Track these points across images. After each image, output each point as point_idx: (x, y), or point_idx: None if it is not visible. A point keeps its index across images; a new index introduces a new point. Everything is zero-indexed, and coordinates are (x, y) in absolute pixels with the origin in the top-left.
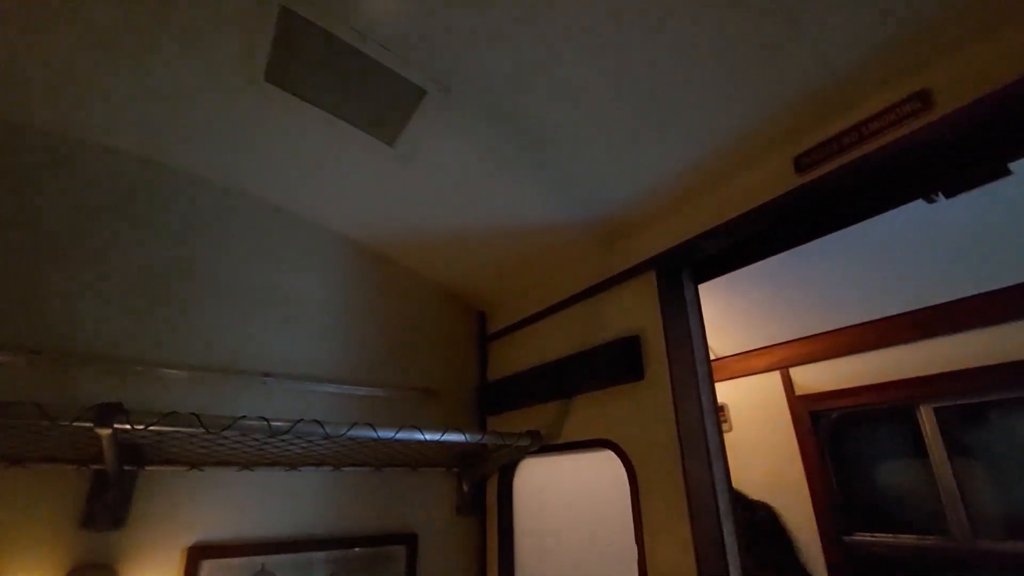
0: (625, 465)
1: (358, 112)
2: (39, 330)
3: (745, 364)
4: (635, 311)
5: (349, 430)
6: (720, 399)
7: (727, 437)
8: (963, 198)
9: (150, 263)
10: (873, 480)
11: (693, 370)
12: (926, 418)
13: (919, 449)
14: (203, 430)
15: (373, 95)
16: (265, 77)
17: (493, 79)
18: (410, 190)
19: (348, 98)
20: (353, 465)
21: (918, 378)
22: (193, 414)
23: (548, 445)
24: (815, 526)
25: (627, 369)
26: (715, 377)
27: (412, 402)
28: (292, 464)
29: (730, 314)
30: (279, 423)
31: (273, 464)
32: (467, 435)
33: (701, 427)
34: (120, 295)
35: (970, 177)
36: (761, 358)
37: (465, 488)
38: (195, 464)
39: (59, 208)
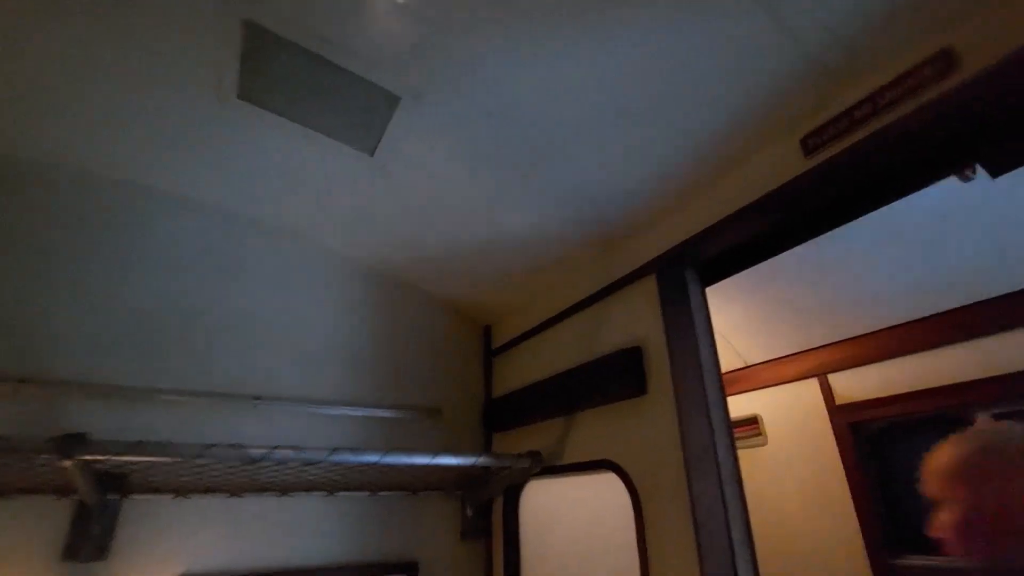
0: (628, 489)
1: (334, 123)
2: (25, 359)
3: (778, 371)
4: (636, 320)
5: (330, 455)
6: (753, 410)
7: (761, 451)
8: (1013, 177)
9: (139, 289)
10: (923, 497)
11: (701, 382)
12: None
13: None
14: (176, 459)
15: (346, 105)
16: (238, 95)
17: (470, 83)
18: (398, 202)
19: (323, 110)
20: (348, 490)
21: (973, 382)
22: (160, 442)
23: (550, 467)
24: (862, 547)
25: (628, 383)
26: (746, 385)
27: (414, 422)
28: (283, 490)
29: (759, 317)
30: (255, 450)
31: (263, 491)
32: (461, 458)
33: (711, 446)
34: (110, 322)
35: (1013, 152)
36: (795, 364)
37: (469, 512)
38: (180, 492)
39: (41, 233)
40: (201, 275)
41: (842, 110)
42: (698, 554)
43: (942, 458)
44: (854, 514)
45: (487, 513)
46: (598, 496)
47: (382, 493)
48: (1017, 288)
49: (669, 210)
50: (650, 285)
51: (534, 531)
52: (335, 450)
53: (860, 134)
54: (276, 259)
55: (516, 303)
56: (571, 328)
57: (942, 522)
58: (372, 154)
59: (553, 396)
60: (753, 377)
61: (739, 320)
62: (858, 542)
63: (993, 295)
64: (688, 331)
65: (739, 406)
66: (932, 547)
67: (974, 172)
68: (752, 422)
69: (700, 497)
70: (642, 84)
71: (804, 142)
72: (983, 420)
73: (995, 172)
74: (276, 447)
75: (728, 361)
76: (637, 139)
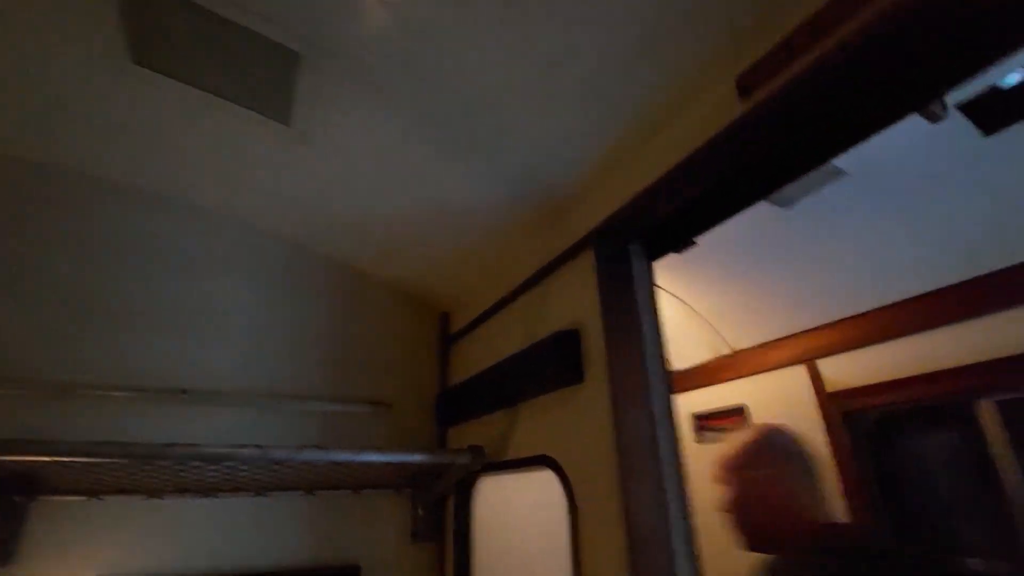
0: (564, 489)
1: (240, 88)
2: None
3: (765, 357)
4: (575, 299)
5: (241, 450)
6: (739, 399)
7: None
8: (1010, 134)
9: (45, 275)
10: (924, 493)
11: (641, 368)
12: (988, 414)
13: (981, 453)
14: (59, 458)
15: (245, 66)
16: (132, 59)
17: (383, 42)
18: (325, 176)
19: (223, 73)
20: (281, 490)
21: (976, 365)
22: (44, 440)
23: (493, 463)
24: None
25: (564, 371)
26: (733, 373)
27: (358, 417)
28: (207, 491)
29: (746, 301)
30: (219, 449)
31: (184, 492)
32: (392, 455)
33: (651, 442)
34: (12, 312)
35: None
36: (783, 350)
37: (420, 511)
38: (94, 493)
39: None
40: (117, 259)
41: (779, 40)
42: (629, 556)
43: (724, 447)
44: (848, 512)
45: (441, 512)
46: (551, 495)
47: (318, 493)
48: (1023, 260)
49: (605, 175)
50: (588, 260)
51: (487, 531)
52: (242, 447)
53: (798, 66)
54: (200, 241)
55: (469, 287)
56: (517, 311)
57: (722, 501)
58: (288, 123)
59: (497, 386)
60: (740, 364)
61: (725, 305)
62: None
63: (996, 268)
64: (628, 311)
65: (725, 395)
66: (936, 547)
67: (944, 109)
68: (738, 412)
69: (635, 501)
70: (572, 38)
71: (740, 82)
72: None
73: (988, 129)
74: (243, 446)
75: (716, 348)
76: (570, 101)
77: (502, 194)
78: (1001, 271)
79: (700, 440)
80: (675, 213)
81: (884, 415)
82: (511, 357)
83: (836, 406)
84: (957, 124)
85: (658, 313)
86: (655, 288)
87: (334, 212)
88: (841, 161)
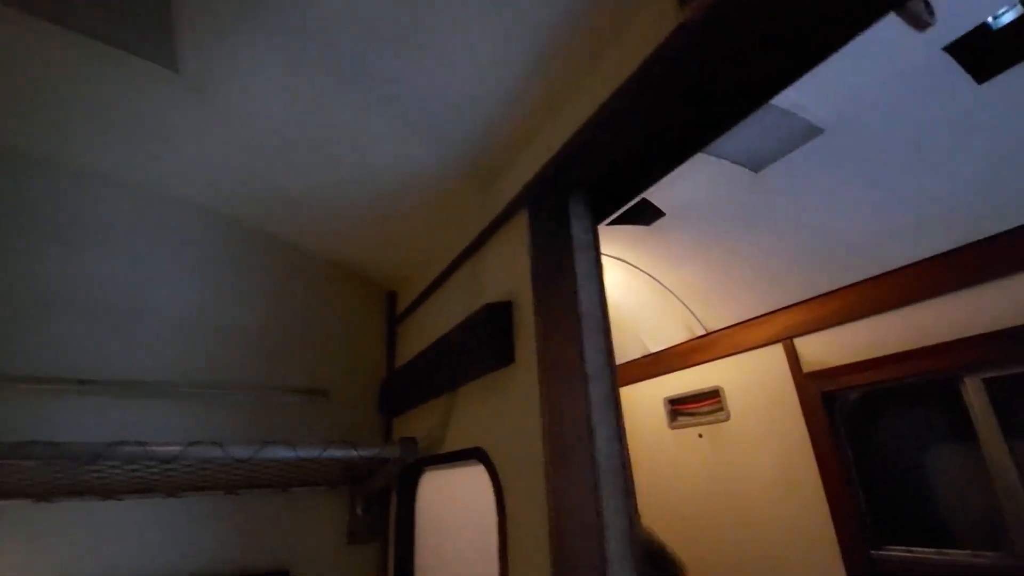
0: (493, 484)
1: (112, 27)
2: None
3: (741, 337)
4: (509, 267)
5: (122, 447)
6: (714, 381)
7: (723, 428)
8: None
9: None
10: (907, 478)
11: (578, 346)
12: (973, 393)
13: (966, 435)
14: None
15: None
16: None
17: None
18: (230, 135)
19: (91, 9)
20: (195, 490)
21: (961, 340)
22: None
23: (429, 457)
24: (834, 537)
25: (492, 351)
26: (706, 355)
27: (292, 407)
28: (108, 494)
29: (718, 277)
30: (168, 448)
31: (80, 494)
32: (301, 450)
33: (586, 431)
34: None
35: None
36: (759, 328)
37: (359, 510)
38: None
39: None
40: (17, 237)
41: None
42: (552, 563)
43: None
44: (824, 500)
45: (384, 511)
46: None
47: (241, 492)
48: (1016, 224)
49: (539, 120)
50: (523, 221)
51: (429, 529)
52: (119, 444)
53: None
54: (102, 211)
55: (414, 261)
56: (456, 285)
57: None
58: (178, 71)
59: (433, 370)
60: (714, 345)
61: (696, 282)
62: (829, 532)
63: (985, 235)
64: (565, 278)
65: (700, 378)
66: (920, 537)
67: (930, 13)
68: (713, 395)
69: (564, 499)
70: None
71: None
72: None
73: (981, 75)
74: (192, 443)
75: (690, 328)
76: (494, 26)
77: (431, 151)
78: (993, 238)
79: (675, 426)
80: (617, 157)
81: (865, 396)
82: (442, 338)
83: (814, 387)
84: (946, 70)
85: (602, 282)
86: (599, 254)
87: (250, 179)
88: (818, 116)
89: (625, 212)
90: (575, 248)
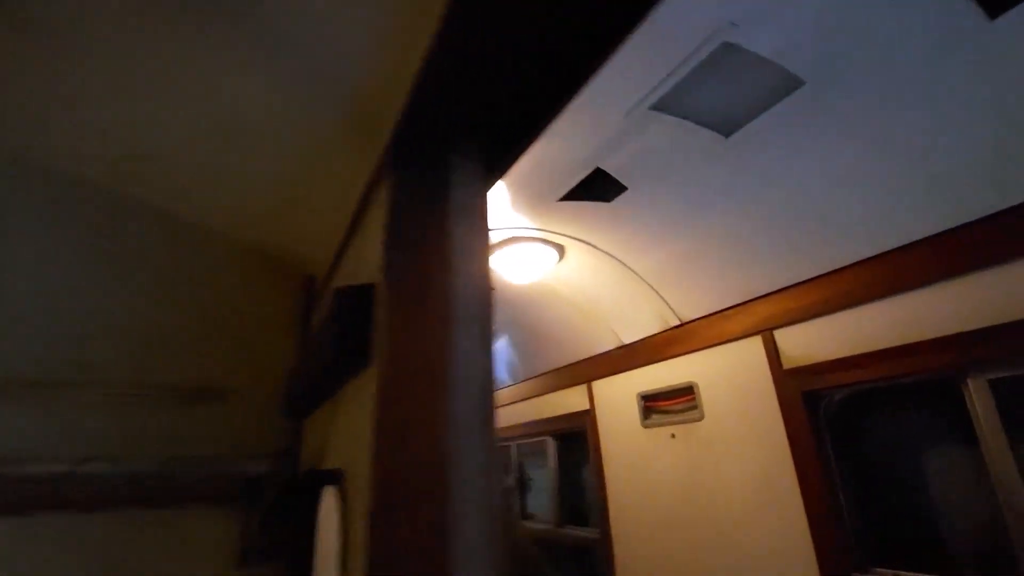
0: (339, 511)
1: None
2: None
3: (717, 329)
4: (374, 239)
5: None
6: (688, 377)
7: (697, 428)
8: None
9: None
10: (899, 491)
11: (443, 344)
12: (977, 396)
13: (968, 443)
14: None
15: None
16: None
17: None
18: (89, 87)
19: None
20: (42, 510)
21: (964, 335)
22: None
23: (305, 473)
24: (813, 557)
25: (346, 348)
26: (681, 348)
27: (180, 409)
28: None
29: (689, 262)
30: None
31: None
32: (132, 464)
33: (435, 455)
34: None
35: None
36: (736, 319)
37: (253, 529)
38: None
39: None
40: None
41: None
42: None
43: None
44: (804, 514)
45: (285, 531)
46: None
47: (111, 511)
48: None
49: (402, 50)
50: (389, 181)
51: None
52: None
53: None
54: None
55: (327, 239)
56: (345, 264)
57: None
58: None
59: (318, 369)
60: (689, 337)
61: (668, 267)
62: (808, 551)
63: (995, 209)
64: (434, 254)
65: (674, 373)
66: (913, 559)
67: None
68: (687, 392)
69: (392, 528)
70: None
71: None
72: None
73: (995, 10)
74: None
75: (664, 319)
76: None
77: (305, 108)
78: (1001, 214)
79: (648, 424)
80: (488, 87)
81: (852, 396)
82: (316, 329)
83: (795, 385)
84: (954, 3)
85: (486, 262)
86: (485, 222)
87: (121, 140)
88: (797, 62)
89: (582, 186)
90: (451, 215)
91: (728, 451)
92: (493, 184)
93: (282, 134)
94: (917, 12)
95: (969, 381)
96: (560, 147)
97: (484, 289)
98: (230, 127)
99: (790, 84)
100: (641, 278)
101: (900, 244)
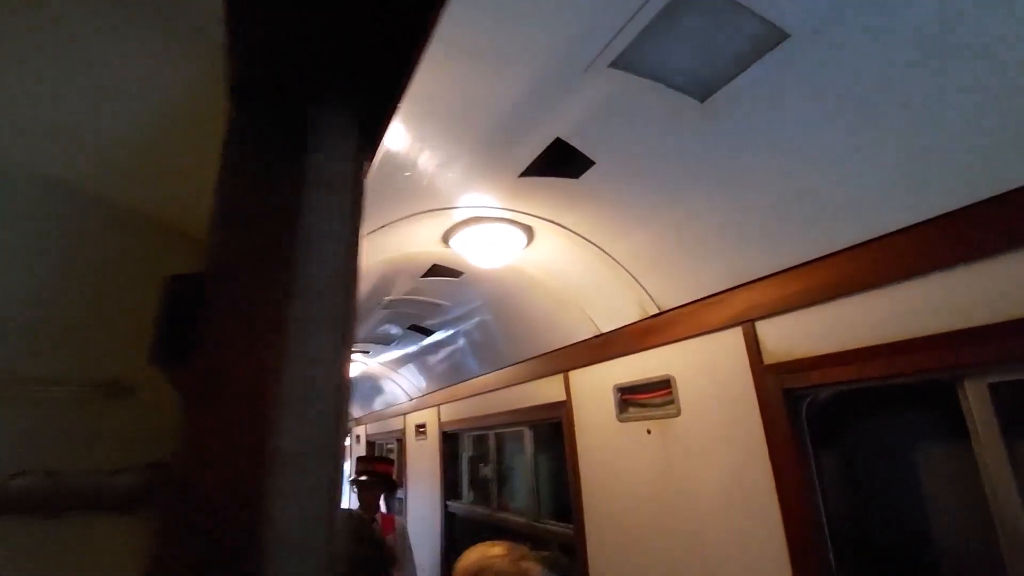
0: None
1: None
2: None
3: (697, 318)
4: None
5: None
6: (665, 370)
7: (673, 424)
8: None
9: None
10: (885, 504)
11: (278, 350)
12: (975, 400)
13: (961, 450)
14: None
15: None
16: None
17: None
18: None
19: None
20: None
21: (962, 332)
22: None
23: None
24: (787, 563)
25: (167, 351)
26: (659, 339)
27: (76, 406)
28: None
29: (675, 246)
30: None
31: None
32: None
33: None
34: None
35: None
36: (717, 308)
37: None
38: None
39: None
40: None
41: None
42: None
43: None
44: (781, 525)
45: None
46: None
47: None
48: None
49: None
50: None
51: None
52: None
53: None
54: None
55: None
56: None
57: None
58: None
59: None
60: (668, 327)
61: (646, 251)
62: (785, 567)
63: (1005, 189)
64: (281, 233)
65: (651, 365)
66: (895, 567)
67: None
68: (664, 386)
69: None
70: None
71: None
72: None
73: None
74: None
75: (643, 307)
76: None
77: (164, 46)
78: (1011, 194)
79: (623, 418)
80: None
81: (837, 396)
82: None
83: (775, 382)
84: None
85: (355, 249)
86: (359, 198)
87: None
88: (781, 13)
89: (544, 159)
90: (309, 186)
91: (704, 449)
92: (370, 154)
93: (168, 107)
94: None
95: (967, 384)
96: (512, 113)
97: (345, 283)
98: (89, 84)
99: (771, 37)
100: (617, 262)
101: (895, 228)
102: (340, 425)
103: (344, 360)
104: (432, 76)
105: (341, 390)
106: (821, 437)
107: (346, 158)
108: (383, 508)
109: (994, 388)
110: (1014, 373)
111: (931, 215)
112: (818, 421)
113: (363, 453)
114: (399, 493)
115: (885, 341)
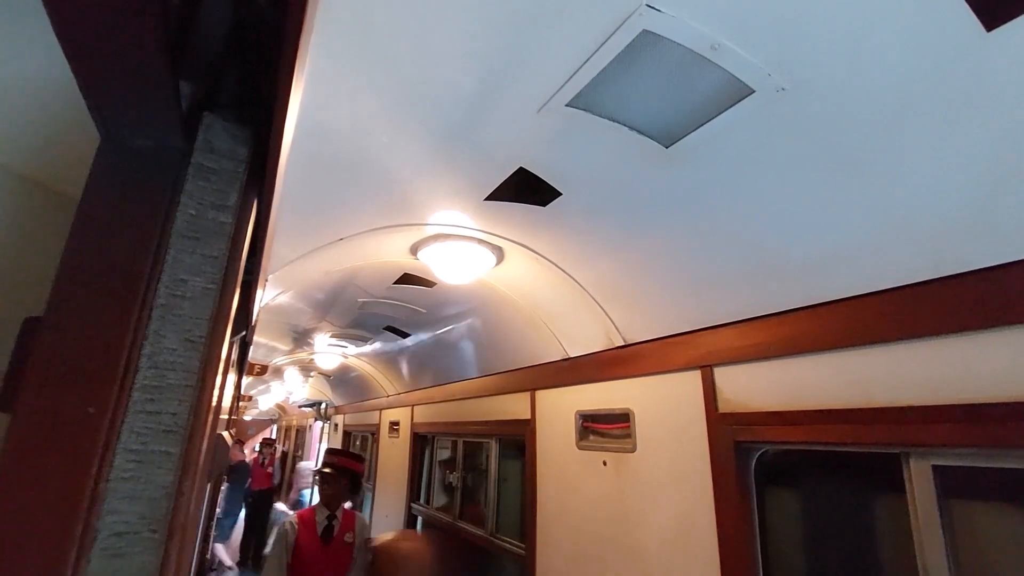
0: None
1: None
2: None
3: (660, 356)
4: None
5: None
6: (626, 403)
7: (629, 459)
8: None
9: None
10: (821, 561)
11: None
12: (918, 479)
13: (900, 531)
14: None
15: None
16: None
17: None
18: None
19: None
20: None
21: (914, 409)
22: None
23: None
24: None
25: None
26: (623, 371)
27: None
28: None
29: (637, 281)
30: None
31: None
32: None
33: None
34: None
35: None
36: (679, 349)
37: None
38: None
39: None
40: None
41: None
42: None
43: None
44: (718, 566)
45: None
46: None
47: None
48: (1009, 259)
49: None
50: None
51: None
52: None
53: None
54: None
55: None
56: None
57: None
58: None
59: None
60: (631, 361)
61: (612, 283)
62: None
63: (979, 266)
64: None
65: (613, 396)
66: None
67: None
68: (624, 419)
69: None
70: None
71: None
72: None
73: (992, 21)
74: None
75: (609, 336)
76: None
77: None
78: (986, 271)
79: (583, 446)
80: None
81: (786, 454)
82: None
83: (727, 433)
84: (945, 11)
85: (238, 257)
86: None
87: None
88: (746, 71)
89: (508, 187)
90: (185, 186)
91: (654, 489)
92: (248, 157)
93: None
94: (906, 17)
95: (912, 462)
96: (471, 140)
97: (228, 279)
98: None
99: (736, 91)
100: (585, 290)
101: (852, 294)
102: (194, 481)
103: (206, 407)
104: (383, 85)
105: (201, 432)
106: (767, 490)
107: (229, 154)
108: (347, 505)
109: (938, 470)
110: (959, 459)
111: (891, 285)
112: (766, 475)
113: (339, 443)
114: (366, 488)
115: (836, 407)
